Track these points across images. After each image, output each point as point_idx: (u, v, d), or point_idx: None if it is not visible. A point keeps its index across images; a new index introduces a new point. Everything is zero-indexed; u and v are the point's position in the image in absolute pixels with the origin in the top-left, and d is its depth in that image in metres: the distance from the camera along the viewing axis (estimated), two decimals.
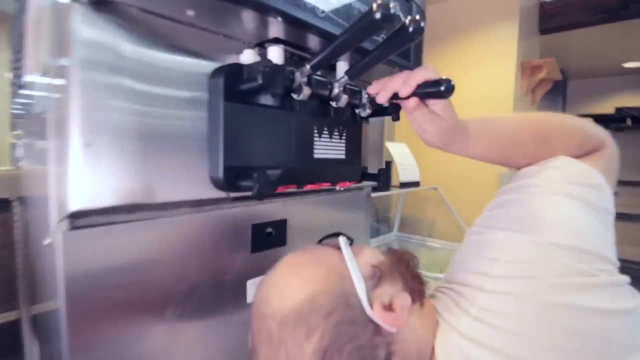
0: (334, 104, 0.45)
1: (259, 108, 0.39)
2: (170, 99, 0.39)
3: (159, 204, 0.39)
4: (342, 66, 0.47)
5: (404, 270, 0.48)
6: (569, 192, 0.45)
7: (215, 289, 0.50)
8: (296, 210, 0.61)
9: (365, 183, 0.70)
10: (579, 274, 0.40)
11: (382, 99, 0.44)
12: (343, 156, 0.48)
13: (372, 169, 0.70)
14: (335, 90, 0.44)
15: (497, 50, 2.06)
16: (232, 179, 0.38)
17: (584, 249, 0.41)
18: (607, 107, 3.83)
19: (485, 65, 2.09)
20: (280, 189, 0.42)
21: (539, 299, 0.40)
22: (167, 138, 0.39)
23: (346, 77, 0.43)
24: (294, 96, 0.40)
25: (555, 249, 0.42)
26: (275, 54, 0.40)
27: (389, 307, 0.42)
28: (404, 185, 1.86)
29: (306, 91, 0.39)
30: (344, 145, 0.48)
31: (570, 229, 0.43)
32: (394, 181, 1.94)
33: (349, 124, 0.49)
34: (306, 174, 0.44)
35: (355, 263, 0.43)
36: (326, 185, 0.48)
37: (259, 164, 0.39)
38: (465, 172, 2.05)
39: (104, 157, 0.35)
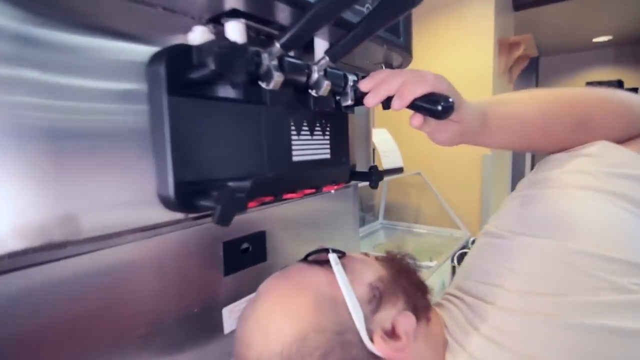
0: (313, 92, 0.36)
1: (216, 103, 0.30)
2: (95, 96, 0.29)
3: (89, 239, 0.30)
4: (320, 45, 0.38)
5: (406, 283, 0.41)
6: (603, 186, 0.38)
7: (183, 324, 0.41)
8: (276, 218, 0.53)
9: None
10: (613, 290, 0.34)
11: (371, 102, 0.36)
12: (328, 156, 0.40)
13: (361, 165, 0.62)
14: (315, 76, 0.35)
15: (475, 28, 2.00)
16: (187, 197, 0.29)
17: (621, 259, 0.34)
18: (579, 82, 3.90)
19: (462, 43, 2.03)
20: (251, 204, 0.33)
21: (563, 320, 0.33)
22: (94, 148, 0.29)
23: (327, 58, 0.35)
24: (263, 85, 0.31)
25: (583, 260, 0.35)
26: (234, 30, 0.31)
27: (391, 333, 0.36)
28: (387, 172, 1.80)
29: (277, 77, 0.30)
30: (328, 142, 0.40)
31: (602, 233, 0.36)
32: None
33: (334, 117, 0.41)
34: (284, 181, 0.35)
35: (350, 285, 0.35)
36: (310, 192, 0.40)
37: (223, 175, 0.30)
38: (448, 154, 2.01)
39: None
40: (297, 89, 0.36)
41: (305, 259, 0.40)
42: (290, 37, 0.29)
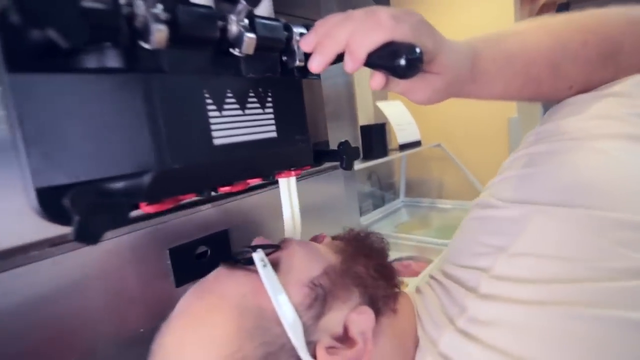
0: (236, 51, 0.28)
1: (86, 77, 0.22)
2: None
3: None
4: None
5: (363, 269, 0.34)
6: (637, 132, 0.28)
7: (128, 347, 0.35)
8: (243, 212, 0.45)
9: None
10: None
11: (316, 66, 0.28)
12: (274, 134, 0.31)
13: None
14: (233, 29, 0.26)
15: None
16: (60, 207, 0.22)
17: None
18: None
19: None
20: (159, 207, 0.26)
21: (568, 310, 0.25)
22: None
23: (244, 3, 0.26)
24: (145, 45, 0.23)
25: (605, 231, 0.26)
26: None
27: (344, 338, 0.29)
28: (404, 147, 1.69)
29: (159, 32, 0.22)
30: (272, 117, 0.31)
31: (633, 195, 0.27)
32: (393, 144, 1.77)
33: (279, 84, 0.32)
34: (207, 172, 0.27)
35: (282, 290, 0.28)
36: (255, 182, 0.32)
37: (106, 173, 0.23)
38: (469, 122, 1.85)
39: None
40: (215, 48, 0.28)
41: (229, 261, 0.33)
42: None
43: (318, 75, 0.41)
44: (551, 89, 0.34)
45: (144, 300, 0.36)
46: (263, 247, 0.31)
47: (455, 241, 0.39)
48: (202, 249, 0.40)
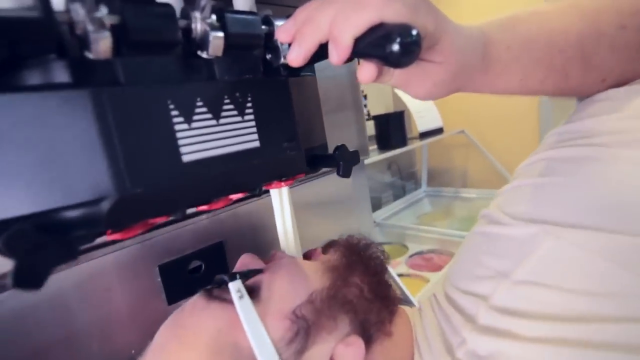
0: (204, 54, 0.24)
1: (22, 95, 0.19)
2: None
3: None
4: None
5: (355, 291, 0.30)
6: None
7: None
8: (239, 221, 0.43)
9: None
10: None
11: (296, 59, 0.24)
12: (257, 143, 0.28)
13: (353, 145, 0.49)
14: (198, 28, 0.23)
15: None
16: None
17: None
18: None
19: None
20: (124, 234, 0.23)
21: (580, 353, 0.22)
22: None
23: None
24: (88, 55, 0.20)
25: (636, 262, 0.22)
26: None
27: None
28: (424, 135, 1.62)
29: (102, 39, 0.19)
30: (253, 124, 0.28)
31: None
32: (414, 132, 1.71)
33: (259, 85, 0.28)
34: (179, 192, 0.24)
35: (260, 324, 0.25)
36: (239, 196, 0.29)
37: (61, 202, 0.20)
38: (495, 106, 1.74)
39: None
40: (186, 52, 0.24)
41: (207, 290, 0.30)
42: None
43: (312, 71, 0.37)
44: (580, 81, 0.28)
45: (134, 322, 0.34)
46: (242, 274, 0.28)
47: (459, 257, 0.35)
48: (195, 263, 0.38)
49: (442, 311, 0.32)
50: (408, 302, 0.42)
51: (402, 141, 1.44)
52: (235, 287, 0.27)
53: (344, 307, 0.29)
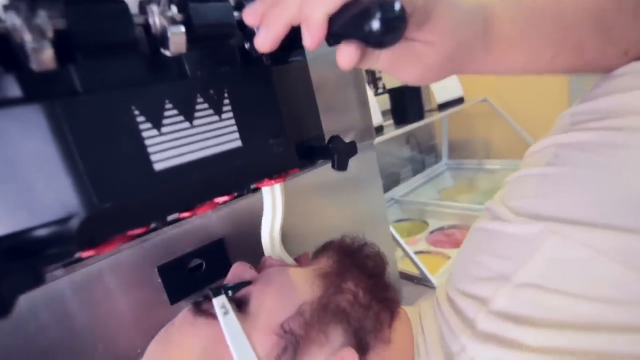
0: (167, 52, 0.22)
1: None
2: None
3: None
4: None
5: (349, 298, 0.29)
6: None
7: None
8: (240, 217, 0.42)
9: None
10: None
11: (263, 44, 0.21)
12: (238, 142, 0.26)
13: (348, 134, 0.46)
14: (156, 23, 0.21)
15: None
16: None
17: None
18: None
19: None
20: (101, 249, 0.22)
21: None
22: None
23: None
24: (32, 65, 0.18)
25: None
26: None
27: None
28: (443, 106, 1.55)
29: (46, 52, 0.17)
30: (232, 122, 0.26)
31: None
32: (432, 103, 1.63)
33: (235, 79, 0.26)
34: (150, 203, 0.23)
35: (246, 341, 0.24)
36: (224, 200, 0.27)
37: (23, 225, 0.19)
38: (519, 77, 1.62)
39: None
40: (149, 51, 0.22)
41: (196, 304, 0.29)
42: None
43: (303, 55, 0.34)
44: (598, 55, 0.24)
45: (138, 324, 0.34)
46: (227, 288, 0.27)
47: (461, 254, 0.32)
48: (196, 261, 0.38)
49: (442, 314, 0.30)
50: (426, 281, 0.39)
51: (420, 114, 1.38)
52: (219, 303, 0.26)
53: (337, 316, 0.27)
